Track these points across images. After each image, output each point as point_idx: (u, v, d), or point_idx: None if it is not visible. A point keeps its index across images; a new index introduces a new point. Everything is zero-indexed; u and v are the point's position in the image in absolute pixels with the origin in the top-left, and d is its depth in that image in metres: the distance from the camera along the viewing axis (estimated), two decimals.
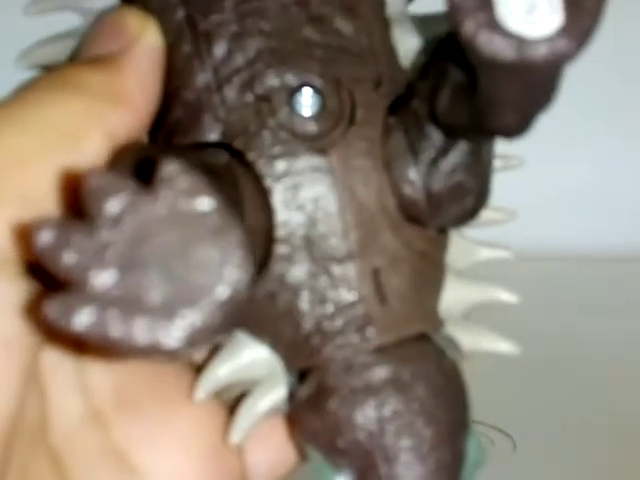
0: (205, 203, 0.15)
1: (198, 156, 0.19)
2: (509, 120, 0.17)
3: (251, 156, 0.19)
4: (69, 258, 0.14)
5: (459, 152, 0.19)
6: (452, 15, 0.16)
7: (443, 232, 0.21)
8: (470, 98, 0.18)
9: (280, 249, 0.19)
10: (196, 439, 0.20)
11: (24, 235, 0.16)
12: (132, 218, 0.15)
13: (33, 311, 0.16)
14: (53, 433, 0.19)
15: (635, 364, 0.42)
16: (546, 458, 0.38)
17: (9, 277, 0.17)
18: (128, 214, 0.15)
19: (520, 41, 0.16)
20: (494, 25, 0.16)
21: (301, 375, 0.20)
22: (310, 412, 0.20)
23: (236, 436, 0.20)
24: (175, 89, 0.20)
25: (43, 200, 0.17)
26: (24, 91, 0.19)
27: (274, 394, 0.20)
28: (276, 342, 0.20)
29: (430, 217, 0.20)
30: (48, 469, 0.18)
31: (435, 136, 0.19)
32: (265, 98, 0.20)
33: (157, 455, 0.19)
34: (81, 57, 0.20)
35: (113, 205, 0.15)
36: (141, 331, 0.14)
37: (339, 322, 0.19)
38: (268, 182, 0.19)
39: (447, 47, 0.19)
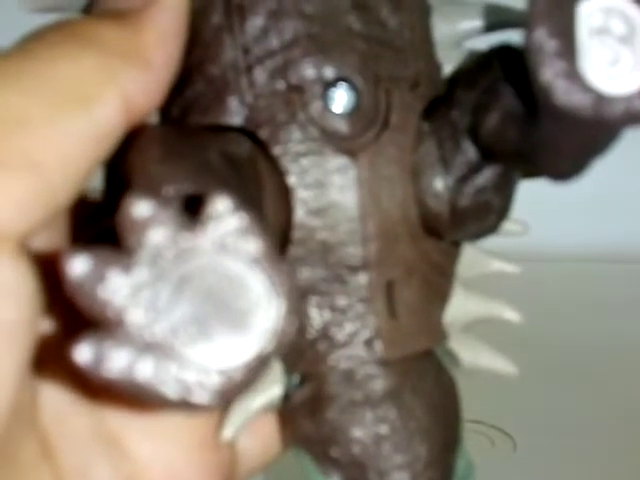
0: (253, 246, 0.14)
1: (221, 143, 0.18)
2: (565, 167, 0.16)
3: (276, 150, 0.18)
4: (106, 294, 0.13)
5: (492, 172, 0.19)
6: (530, 55, 0.15)
7: (457, 244, 0.20)
8: (523, 131, 0.17)
9: (295, 251, 0.18)
10: (189, 429, 0.19)
11: (48, 261, 0.15)
12: (173, 255, 0.13)
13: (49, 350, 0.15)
14: (43, 416, 0.18)
15: (635, 364, 0.43)
16: (546, 458, 0.38)
17: (9, 256, 0.15)
18: (169, 250, 0.13)
19: (598, 97, 0.15)
20: (573, 76, 0.15)
21: (299, 377, 0.19)
22: (306, 417, 0.19)
23: (228, 432, 0.19)
24: (198, 61, 0.19)
25: (51, 171, 0.16)
26: (28, 43, 0.17)
27: (269, 394, 0.19)
28: None
29: (450, 231, 0.19)
30: (37, 452, 0.17)
31: (470, 152, 0.18)
32: (298, 89, 0.18)
33: (150, 443, 0.19)
34: (97, 10, 0.18)
35: (154, 239, 0.13)
36: (177, 379, 0.13)
37: (347, 331, 0.19)
38: (291, 180, 0.18)
39: (501, 63, 0.18)
